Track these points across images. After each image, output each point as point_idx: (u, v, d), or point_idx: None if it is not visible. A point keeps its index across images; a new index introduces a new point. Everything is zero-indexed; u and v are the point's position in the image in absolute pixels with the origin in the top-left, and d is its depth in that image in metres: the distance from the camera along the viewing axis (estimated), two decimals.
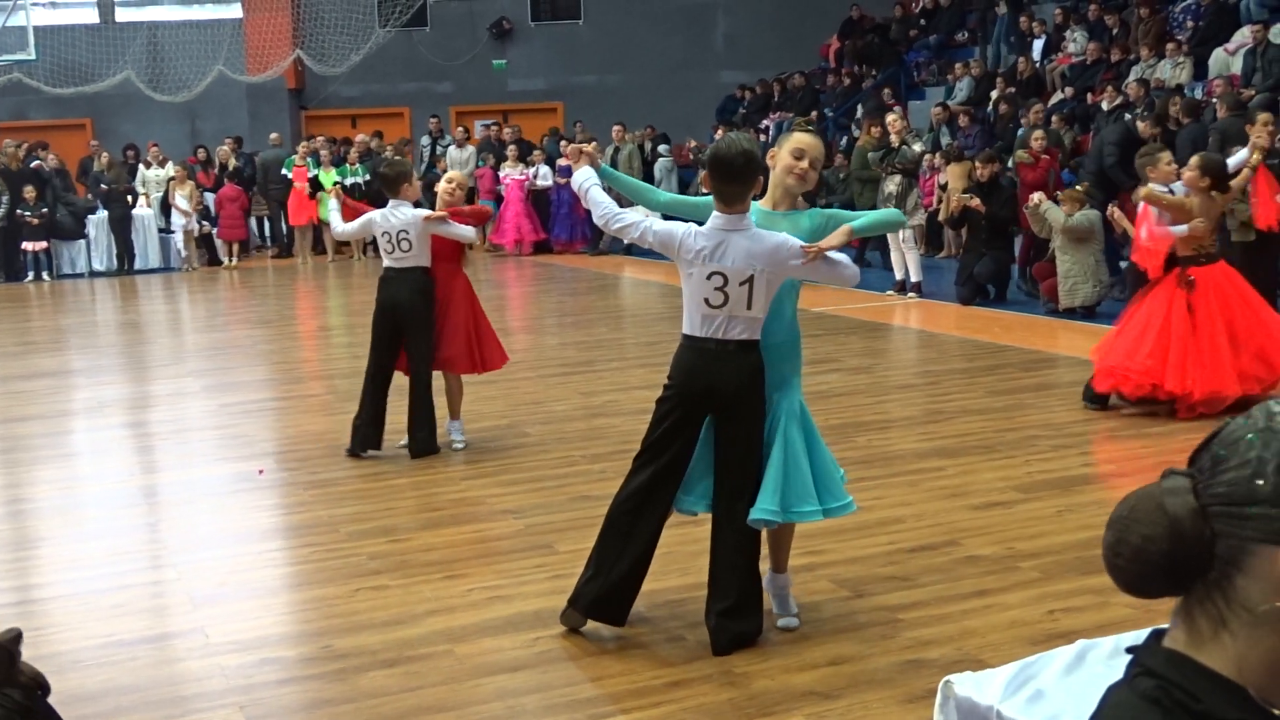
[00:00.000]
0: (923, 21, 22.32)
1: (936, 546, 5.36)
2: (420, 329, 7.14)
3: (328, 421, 8.39)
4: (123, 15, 24.50)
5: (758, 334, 4.31)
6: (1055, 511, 5.77)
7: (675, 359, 4.41)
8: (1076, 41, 17.86)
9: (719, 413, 4.34)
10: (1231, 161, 8.14)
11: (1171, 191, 7.55)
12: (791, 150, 4.39)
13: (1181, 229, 7.45)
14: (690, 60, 25.04)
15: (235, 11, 24.43)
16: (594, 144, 4.77)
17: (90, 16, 24.34)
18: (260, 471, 7.04)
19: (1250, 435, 1.20)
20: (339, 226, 7.68)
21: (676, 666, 4.27)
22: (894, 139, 13.75)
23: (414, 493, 6.51)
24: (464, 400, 7.67)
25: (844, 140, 19.86)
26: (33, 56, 21.30)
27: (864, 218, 4.56)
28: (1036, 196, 11.24)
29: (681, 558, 5.25)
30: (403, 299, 7.09)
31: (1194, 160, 7.66)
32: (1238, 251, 9.30)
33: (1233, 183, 7.87)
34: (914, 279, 13.39)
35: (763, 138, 21.31)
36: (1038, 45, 18.72)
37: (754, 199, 4.38)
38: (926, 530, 5.60)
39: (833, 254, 4.31)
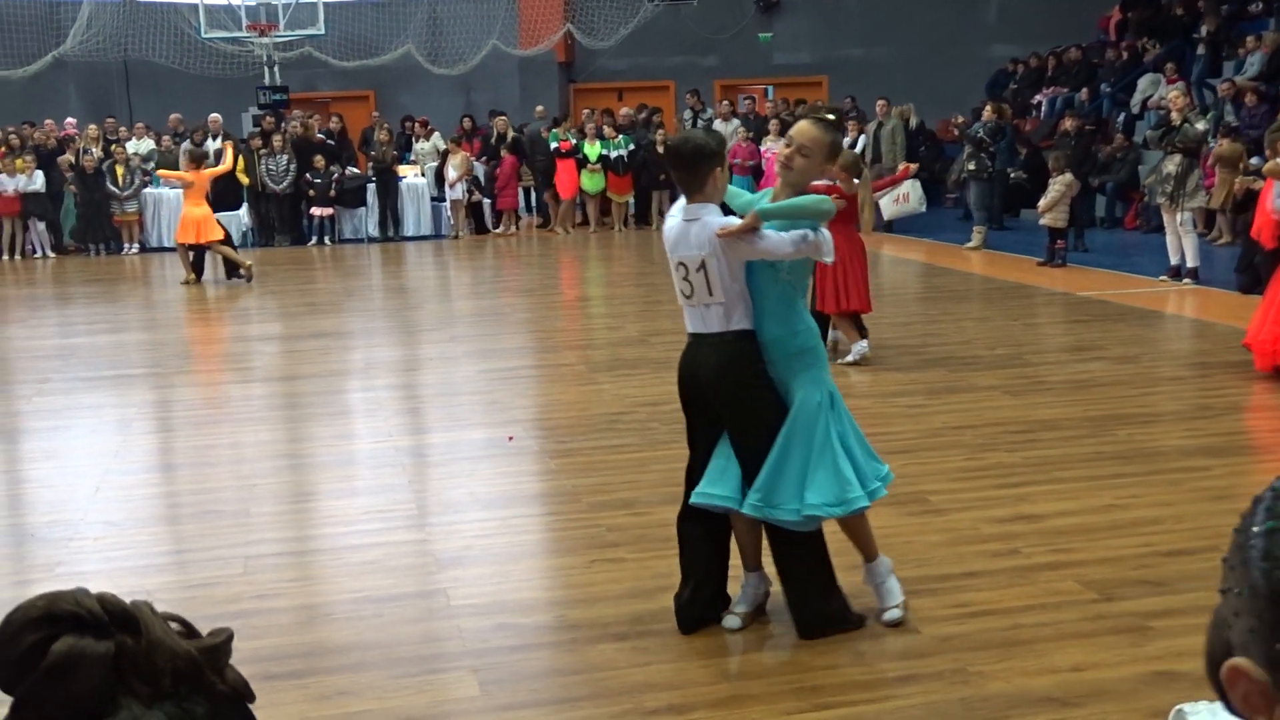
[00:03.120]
0: None
1: (1196, 552, 5.07)
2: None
3: (578, 392, 8.56)
4: None
5: (739, 324, 4.28)
6: None
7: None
8: None
9: (718, 405, 4.33)
10: None
11: None
12: (786, 136, 4.45)
13: None
14: (960, 33, 24.32)
15: None
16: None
17: None
18: (510, 438, 7.24)
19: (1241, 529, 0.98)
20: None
21: (909, 660, 4.18)
22: (1175, 116, 13.04)
23: (657, 466, 6.56)
24: None
25: (1121, 117, 19.00)
26: (321, 31, 22.43)
27: (780, 204, 4.28)
28: None
29: (920, 548, 5.13)
30: None
31: None
32: None
33: None
34: (1190, 264, 12.68)
35: (1035, 113, 20.58)
36: None
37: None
38: (1186, 533, 5.30)
39: (767, 231, 4.18)
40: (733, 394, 4.29)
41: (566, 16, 23.98)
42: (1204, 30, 19.33)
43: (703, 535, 4.46)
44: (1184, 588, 4.70)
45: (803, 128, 4.38)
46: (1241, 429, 7.25)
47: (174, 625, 1.12)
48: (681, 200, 4.42)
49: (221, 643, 1.13)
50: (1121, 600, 4.61)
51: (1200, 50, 18.99)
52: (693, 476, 4.43)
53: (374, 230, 20.25)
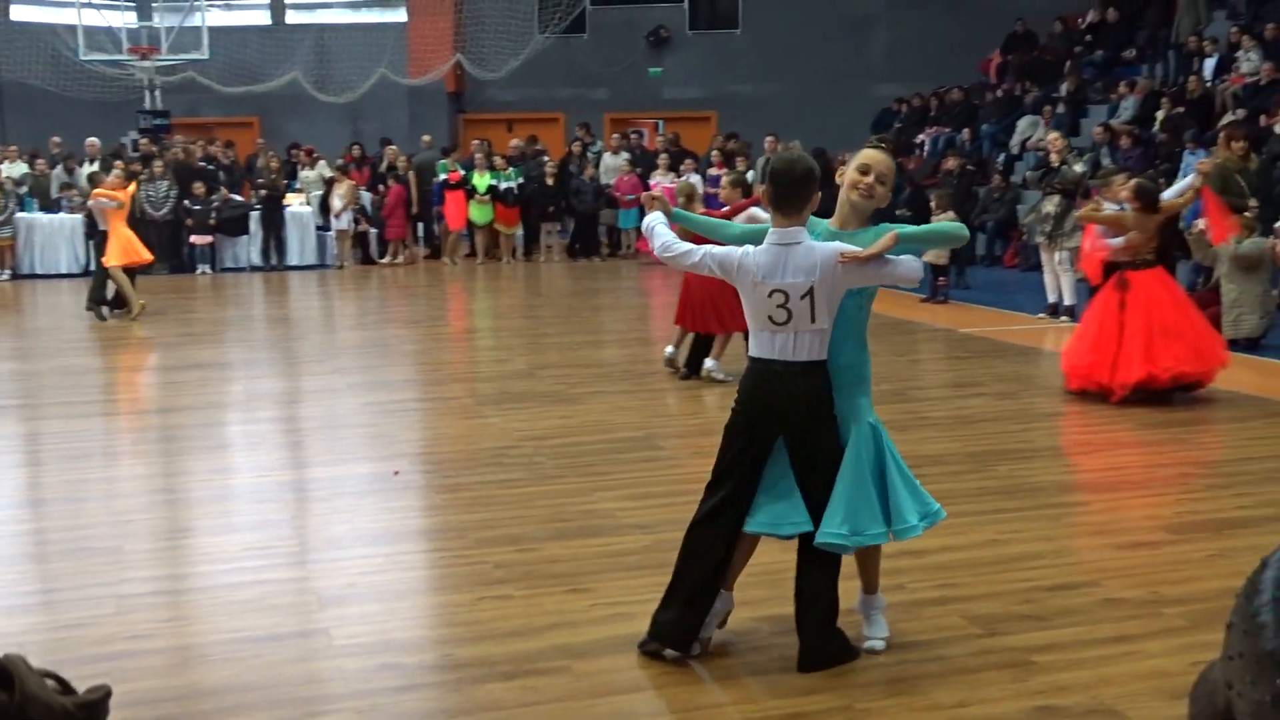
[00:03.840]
0: (1089, 37, 21.72)
1: (1076, 586, 5.16)
2: None
3: (465, 425, 8.46)
4: (293, 17, 25.24)
5: (824, 354, 4.28)
6: (1206, 556, 5.50)
7: (742, 381, 4.41)
8: (1251, 61, 17.18)
9: (789, 435, 4.29)
10: (1174, 189, 9.39)
11: (1124, 208, 8.80)
12: (858, 166, 4.38)
13: (1119, 240, 8.69)
14: (847, 71, 24.75)
15: (400, 15, 24.97)
16: (660, 191, 4.81)
17: (262, 18, 25.12)
18: (396, 473, 7.12)
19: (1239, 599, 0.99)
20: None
21: (795, 698, 4.16)
22: (1054, 158, 13.39)
23: (545, 502, 6.50)
24: (602, 410, 8.44)
25: (1001, 157, 19.46)
26: (206, 56, 22.07)
27: (920, 228, 4.47)
28: (1203, 223, 10.83)
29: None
30: None
31: (1129, 184, 8.90)
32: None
33: (1172, 203, 9.07)
34: (1067, 302, 13.00)
35: (918, 152, 20.99)
36: (1209, 64, 18.07)
37: (823, 219, 4.40)
38: (1067, 568, 5.39)
39: (893, 257, 4.24)
40: (818, 423, 4.28)
41: (456, 47, 23.92)
42: (1064, 89, 19.78)
43: (713, 555, 4.39)
44: (1065, 622, 4.77)
45: (879, 157, 4.37)
46: (1117, 464, 7.40)
47: (50, 682, 1.07)
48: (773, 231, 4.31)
49: (99, 699, 1.08)
50: (1005, 635, 4.65)
51: (1060, 109, 19.40)
52: (725, 502, 4.35)
53: (257, 259, 19.90)
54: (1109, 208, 9.16)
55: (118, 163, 17.05)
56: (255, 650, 4.55)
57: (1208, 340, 8.88)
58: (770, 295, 4.23)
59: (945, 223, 4.58)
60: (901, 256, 4.29)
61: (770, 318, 4.25)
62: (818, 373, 4.27)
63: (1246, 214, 11.24)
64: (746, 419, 4.35)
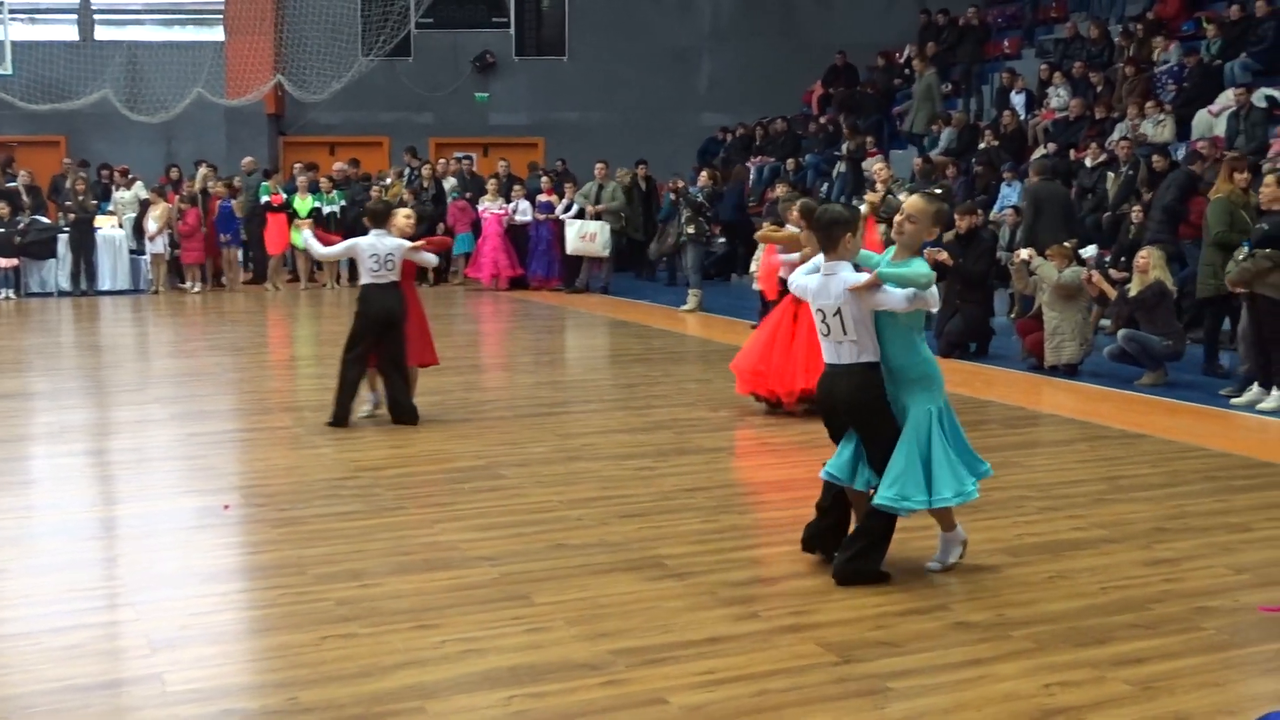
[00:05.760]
0: (908, 71, 22.35)
1: (926, 611, 5.19)
2: (399, 328, 8.98)
3: (296, 456, 8.16)
4: (102, 34, 24.32)
5: (866, 357, 5.44)
6: (1046, 578, 5.60)
7: (818, 380, 5.73)
8: (1060, 97, 17.89)
9: (849, 419, 5.55)
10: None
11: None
12: (901, 210, 5.57)
13: (793, 256, 9.04)
14: (673, 100, 25.02)
15: (217, 34, 24.29)
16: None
17: (70, 33, 24.15)
18: (226, 507, 6.81)
19: None
20: (320, 250, 9.62)
21: None
22: (879, 187, 13.68)
23: (385, 534, 6.29)
24: (440, 439, 8.10)
25: (825, 186, 19.83)
26: (9, 71, 21.10)
27: (896, 270, 5.37)
28: (1025, 253, 11.19)
29: (662, 614, 5.07)
30: (390, 307, 8.93)
31: (796, 204, 9.43)
32: None
33: None
34: None
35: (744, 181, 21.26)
36: (1019, 100, 18.75)
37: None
38: (915, 594, 5.42)
39: (887, 288, 5.33)
40: (861, 414, 5.50)
41: (277, 67, 23.36)
42: (845, 148, 19.76)
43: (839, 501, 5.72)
44: (918, 647, 4.79)
45: (912, 200, 5.54)
46: None
47: None
48: (819, 258, 5.61)
49: None
50: (860, 662, 4.64)
51: (841, 168, 19.46)
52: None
53: (65, 283, 19.04)
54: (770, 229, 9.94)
55: None
56: (84, 700, 4.24)
57: None
58: (817, 311, 5.51)
59: (914, 271, 5.38)
60: (892, 290, 5.33)
61: (820, 331, 5.55)
62: (862, 374, 5.44)
63: (1066, 244, 11.62)
64: (820, 407, 5.87)
